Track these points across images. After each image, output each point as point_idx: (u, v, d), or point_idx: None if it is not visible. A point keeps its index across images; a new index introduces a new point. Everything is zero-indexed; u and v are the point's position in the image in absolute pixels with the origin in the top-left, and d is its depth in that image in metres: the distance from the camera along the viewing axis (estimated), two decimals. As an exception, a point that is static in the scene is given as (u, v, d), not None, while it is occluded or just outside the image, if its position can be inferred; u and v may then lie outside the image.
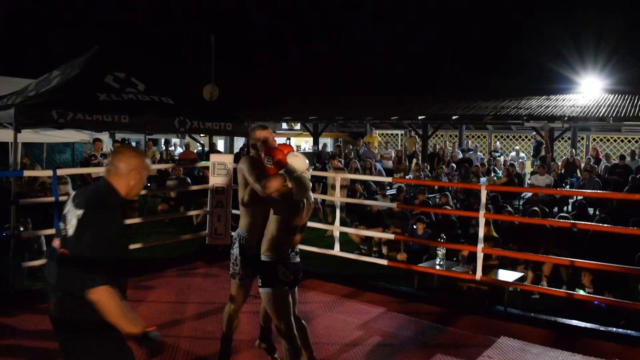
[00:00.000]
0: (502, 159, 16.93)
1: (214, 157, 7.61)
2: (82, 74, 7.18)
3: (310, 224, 8.35)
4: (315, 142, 21.34)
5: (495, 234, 7.01)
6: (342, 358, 4.58)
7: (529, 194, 10.87)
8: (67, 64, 7.97)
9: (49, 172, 6.26)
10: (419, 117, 16.02)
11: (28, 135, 10.76)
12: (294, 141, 27.26)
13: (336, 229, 6.91)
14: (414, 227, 8.57)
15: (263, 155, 3.72)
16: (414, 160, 17.32)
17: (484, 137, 22.29)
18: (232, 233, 4.88)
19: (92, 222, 2.42)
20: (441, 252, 6.45)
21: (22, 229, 6.53)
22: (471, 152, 17.50)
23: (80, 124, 6.38)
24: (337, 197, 6.96)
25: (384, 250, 8.83)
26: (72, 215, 2.48)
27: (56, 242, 2.54)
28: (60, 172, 6.34)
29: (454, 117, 15.47)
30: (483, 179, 13.37)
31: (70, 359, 2.54)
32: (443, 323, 5.47)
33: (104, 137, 12.63)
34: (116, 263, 2.46)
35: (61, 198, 5.79)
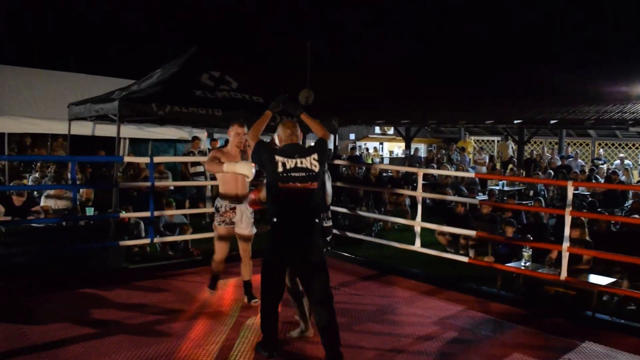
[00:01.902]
0: (605, 167, 16.03)
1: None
2: (180, 71, 7.68)
3: (392, 218, 8.39)
4: (407, 147, 21.20)
5: (588, 238, 6.68)
6: (416, 350, 4.57)
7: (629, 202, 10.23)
8: (168, 63, 8.52)
9: (147, 159, 6.70)
10: (515, 122, 15.48)
11: (132, 131, 11.53)
12: (386, 146, 27.18)
13: (417, 224, 6.87)
14: (503, 232, 8.33)
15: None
16: (509, 166, 16.78)
17: (587, 144, 21.20)
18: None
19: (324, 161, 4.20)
20: (527, 253, 6.23)
21: (123, 212, 7.04)
22: (571, 159, 16.73)
23: (177, 116, 6.80)
24: (420, 193, 6.92)
25: (471, 253, 8.64)
26: (308, 161, 4.06)
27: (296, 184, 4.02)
28: (157, 159, 6.79)
29: (552, 122, 14.82)
30: (582, 187, 12.75)
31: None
32: (524, 324, 5.30)
33: (202, 135, 13.23)
34: None
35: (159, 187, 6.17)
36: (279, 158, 4.05)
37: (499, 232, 8.64)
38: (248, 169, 4.73)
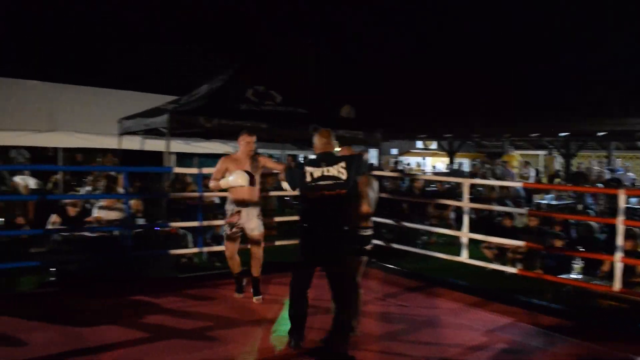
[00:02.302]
0: (657, 180, 15.55)
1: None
2: (225, 86, 7.88)
3: (438, 230, 8.35)
4: (451, 161, 21.02)
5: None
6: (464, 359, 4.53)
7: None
8: (213, 79, 8.74)
9: (195, 170, 6.88)
10: (560, 134, 15.19)
11: (179, 146, 11.82)
12: (429, 161, 27.03)
13: (464, 235, 6.82)
14: (551, 246, 8.16)
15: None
16: (556, 180, 16.43)
17: (637, 158, 20.62)
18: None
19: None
20: (578, 265, 6.10)
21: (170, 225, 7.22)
22: (621, 173, 16.27)
23: (224, 129, 6.97)
24: (466, 203, 6.87)
25: (519, 267, 8.48)
26: (335, 169, 4.24)
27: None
28: (206, 170, 6.94)
29: (600, 134, 14.49)
30: (634, 200, 12.39)
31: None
32: (576, 336, 5.17)
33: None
34: None
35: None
36: (307, 168, 4.33)
37: (548, 245, 8.47)
38: (242, 179, 5.29)
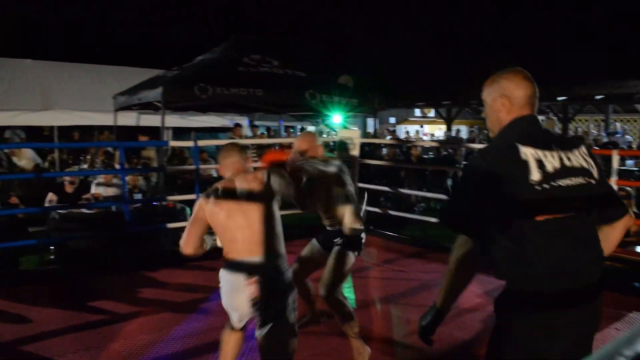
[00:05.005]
0: (655, 142, 15.54)
1: (341, 133, 7.86)
2: (221, 57, 7.81)
3: (435, 195, 8.35)
4: (449, 129, 20.99)
5: (636, 210, 6.54)
6: (461, 321, 4.60)
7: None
8: (209, 51, 8.68)
9: (191, 143, 6.89)
10: (558, 99, 15.12)
11: (176, 120, 11.80)
12: (427, 129, 26.99)
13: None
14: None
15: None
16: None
17: (635, 120, 20.54)
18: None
19: None
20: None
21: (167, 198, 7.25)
22: (618, 136, 16.25)
23: (219, 99, 6.92)
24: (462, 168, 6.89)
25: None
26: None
27: None
28: (201, 143, 6.94)
29: (597, 97, 14.43)
30: (630, 162, 12.42)
31: None
32: (571, 296, 5.24)
33: (243, 122, 13.44)
34: None
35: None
36: (526, 151, 3.70)
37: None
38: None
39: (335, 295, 3.77)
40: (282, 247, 3.06)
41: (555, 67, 17.46)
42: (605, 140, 15.67)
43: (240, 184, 3.05)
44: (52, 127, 11.89)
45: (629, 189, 6.26)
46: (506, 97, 2.08)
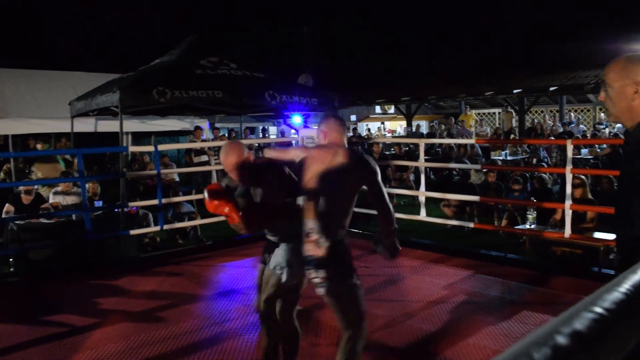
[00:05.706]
0: (607, 131, 16.00)
1: (302, 132, 7.88)
2: (179, 60, 7.73)
3: (397, 191, 8.47)
4: (409, 124, 21.22)
5: (590, 197, 6.74)
6: (426, 313, 4.67)
7: None
8: (166, 54, 8.57)
9: (151, 148, 6.79)
10: (514, 91, 15.47)
11: (135, 125, 11.60)
12: (388, 125, 27.16)
13: (422, 194, 6.95)
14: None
15: None
16: (511, 136, 16.78)
17: (588, 110, 21.16)
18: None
19: None
20: (531, 215, 6.30)
21: (129, 205, 7.14)
22: (573, 126, 16.70)
23: (178, 102, 6.85)
24: (422, 163, 6.99)
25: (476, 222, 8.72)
26: None
27: None
28: (161, 147, 6.86)
29: (551, 89, 14.80)
30: (585, 150, 12.80)
31: None
32: (532, 284, 5.39)
33: (204, 125, 13.30)
34: None
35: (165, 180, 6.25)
36: None
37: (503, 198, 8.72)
38: None
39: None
40: None
41: (511, 61, 17.88)
42: (560, 130, 16.08)
43: None
44: (6, 136, 11.57)
45: (582, 177, 6.46)
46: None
